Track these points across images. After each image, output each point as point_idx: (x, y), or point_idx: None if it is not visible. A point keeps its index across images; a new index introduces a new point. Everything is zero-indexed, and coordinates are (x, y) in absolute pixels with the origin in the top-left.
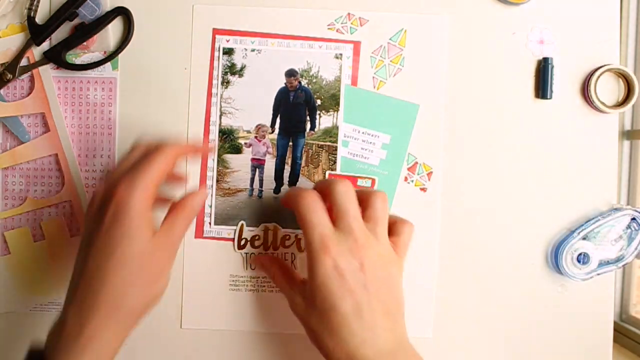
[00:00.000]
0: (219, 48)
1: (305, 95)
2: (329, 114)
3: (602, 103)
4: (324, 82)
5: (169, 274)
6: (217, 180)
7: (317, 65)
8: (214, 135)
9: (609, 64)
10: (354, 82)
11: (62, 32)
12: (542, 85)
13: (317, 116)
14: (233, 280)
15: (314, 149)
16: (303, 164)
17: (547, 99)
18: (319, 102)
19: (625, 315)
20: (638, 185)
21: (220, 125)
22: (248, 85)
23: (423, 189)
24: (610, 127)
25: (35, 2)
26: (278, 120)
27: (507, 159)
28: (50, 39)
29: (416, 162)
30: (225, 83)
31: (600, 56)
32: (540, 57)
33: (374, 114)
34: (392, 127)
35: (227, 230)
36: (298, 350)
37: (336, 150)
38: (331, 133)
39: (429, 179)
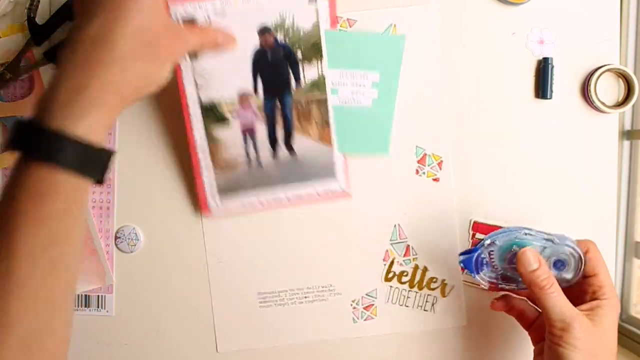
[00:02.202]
0: (177, 20)
1: (283, 51)
2: (312, 64)
3: (602, 103)
4: (302, 32)
5: (171, 70)
6: (212, 157)
7: (291, 15)
8: (197, 114)
9: (609, 64)
10: (333, 23)
11: (62, 32)
12: (542, 85)
13: (301, 70)
14: (262, 297)
15: (303, 104)
16: (296, 122)
17: (547, 99)
18: (300, 54)
19: (625, 315)
20: (638, 185)
21: (200, 101)
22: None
23: (436, 179)
24: (610, 127)
25: (35, 2)
26: (260, 82)
27: (507, 159)
28: (50, 39)
29: (425, 154)
30: (194, 56)
31: (600, 56)
32: (540, 57)
33: (359, 53)
34: (379, 63)
35: (234, 204)
36: (334, 356)
37: (327, 101)
38: (318, 84)
39: (440, 168)
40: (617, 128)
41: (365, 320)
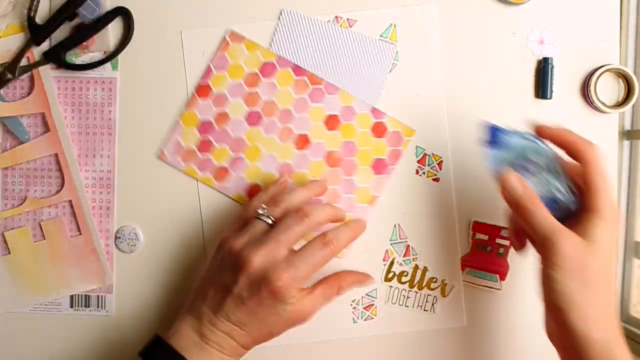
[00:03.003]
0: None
1: None
2: None
3: (602, 103)
4: None
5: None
6: None
7: None
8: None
9: (609, 64)
10: None
11: (62, 32)
12: (542, 85)
13: None
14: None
15: None
16: None
17: (547, 99)
18: None
19: (625, 315)
20: (638, 185)
21: None
22: None
23: (436, 179)
24: (610, 127)
25: (35, 2)
26: None
27: None
28: (50, 39)
29: (425, 154)
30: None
31: (600, 56)
32: (540, 57)
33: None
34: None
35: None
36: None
37: None
38: None
39: (440, 168)
40: (617, 128)
41: (365, 320)
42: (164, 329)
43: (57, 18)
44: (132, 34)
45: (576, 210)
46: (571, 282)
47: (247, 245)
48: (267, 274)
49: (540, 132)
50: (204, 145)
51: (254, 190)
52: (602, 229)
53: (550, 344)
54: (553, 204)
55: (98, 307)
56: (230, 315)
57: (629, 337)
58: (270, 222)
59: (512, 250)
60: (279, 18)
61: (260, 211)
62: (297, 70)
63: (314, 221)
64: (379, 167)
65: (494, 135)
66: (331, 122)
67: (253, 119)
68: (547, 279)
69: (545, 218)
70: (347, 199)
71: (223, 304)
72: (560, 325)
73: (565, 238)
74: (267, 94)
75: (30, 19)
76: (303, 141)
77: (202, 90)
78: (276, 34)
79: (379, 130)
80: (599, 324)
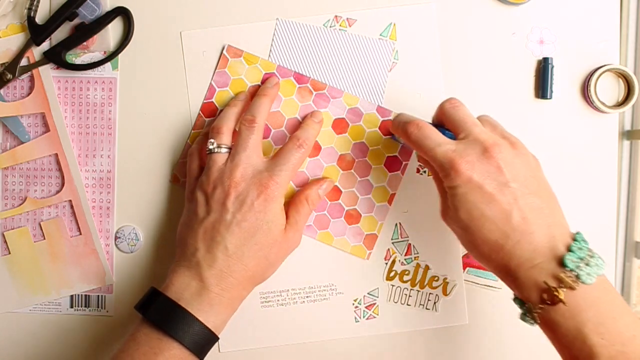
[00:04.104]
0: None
1: None
2: None
3: (602, 103)
4: None
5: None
6: None
7: None
8: None
9: (609, 64)
10: None
11: (62, 32)
12: (542, 85)
13: None
14: (263, 297)
15: None
16: None
17: (547, 99)
18: None
19: None
20: (638, 185)
21: None
22: None
23: None
24: (610, 127)
25: (35, 2)
26: None
27: None
28: (50, 39)
29: None
30: None
31: (600, 56)
32: (540, 57)
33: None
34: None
35: None
36: (337, 356)
37: None
38: None
39: None
40: (617, 128)
41: (367, 319)
42: None
43: (57, 18)
44: (132, 34)
45: None
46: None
47: (221, 175)
48: (254, 187)
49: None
50: None
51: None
52: (471, 150)
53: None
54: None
55: (98, 307)
56: (227, 245)
57: None
58: (225, 149)
59: None
60: (275, 28)
61: (210, 147)
62: (299, 78)
63: (261, 125)
64: (392, 164)
65: None
66: (339, 125)
67: None
68: (453, 199)
69: (440, 146)
70: (365, 200)
71: (217, 236)
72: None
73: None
74: (272, 105)
75: (30, 19)
76: (314, 148)
77: (207, 108)
78: (274, 44)
79: (387, 128)
80: (489, 261)
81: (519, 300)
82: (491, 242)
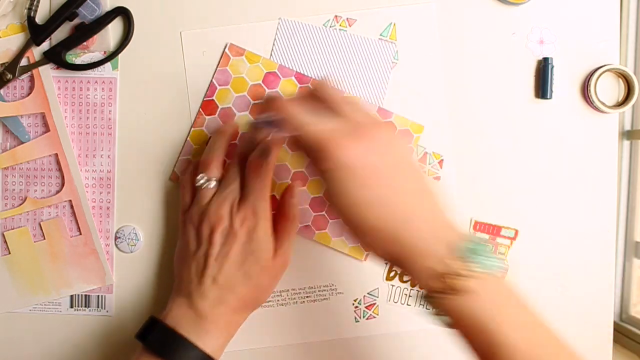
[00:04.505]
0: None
1: None
2: None
3: (602, 103)
4: None
5: (275, 287)
6: None
7: None
8: None
9: (609, 64)
10: None
11: (62, 32)
12: (542, 85)
13: None
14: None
15: None
16: None
17: (547, 99)
18: None
19: (625, 315)
20: (638, 185)
21: None
22: None
23: (436, 178)
24: (610, 127)
25: (35, 2)
26: None
27: (507, 158)
28: (50, 39)
29: (425, 153)
30: None
31: (600, 56)
32: (540, 57)
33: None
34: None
35: None
36: (337, 356)
37: None
38: None
39: (441, 167)
40: (617, 128)
41: (367, 319)
42: None
43: (57, 18)
44: (132, 34)
45: None
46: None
47: (208, 210)
48: (238, 217)
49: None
50: None
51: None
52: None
53: None
54: None
55: (98, 307)
56: (217, 277)
57: (629, 337)
58: (214, 182)
59: (512, 249)
60: (277, 27)
61: (200, 181)
62: (300, 77)
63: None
64: None
65: None
66: None
67: None
68: (327, 183)
69: (309, 125)
70: None
71: (207, 269)
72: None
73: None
74: None
75: (30, 19)
76: None
77: (208, 106)
78: (275, 43)
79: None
80: (384, 252)
81: (427, 296)
82: (372, 228)
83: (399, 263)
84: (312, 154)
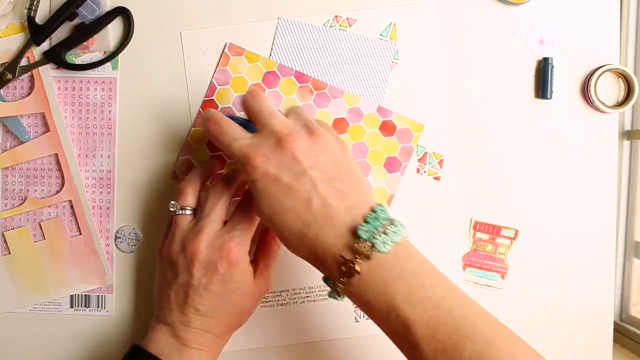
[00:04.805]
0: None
1: None
2: None
3: (602, 103)
4: None
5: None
6: None
7: None
8: None
9: (609, 64)
10: None
11: (62, 32)
12: (542, 85)
13: None
14: (263, 297)
15: None
16: None
17: (547, 99)
18: None
19: (625, 315)
20: (638, 185)
21: None
22: None
23: (436, 178)
24: (610, 127)
25: (35, 2)
26: None
27: (507, 158)
28: (50, 39)
29: (425, 153)
30: None
31: (600, 56)
32: (540, 57)
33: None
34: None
35: None
36: (337, 356)
37: None
38: None
39: (441, 167)
40: (617, 128)
41: (367, 319)
42: None
43: (57, 18)
44: (132, 34)
45: None
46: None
47: (183, 240)
48: (217, 253)
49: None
50: None
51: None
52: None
53: (551, 344)
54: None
55: (98, 307)
56: (198, 307)
57: (629, 337)
58: (189, 212)
59: (512, 249)
60: (276, 27)
61: (172, 209)
62: (300, 77)
63: (231, 187)
64: (391, 165)
65: None
66: (339, 125)
67: None
68: (254, 193)
69: (236, 140)
70: None
71: (188, 300)
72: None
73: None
74: (273, 104)
75: (30, 19)
76: None
77: (208, 106)
78: (275, 43)
79: (387, 128)
80: (296, 247)
81: (325, 278)
82: (296, 232)
83: (315, 261)
84: (240, 167)
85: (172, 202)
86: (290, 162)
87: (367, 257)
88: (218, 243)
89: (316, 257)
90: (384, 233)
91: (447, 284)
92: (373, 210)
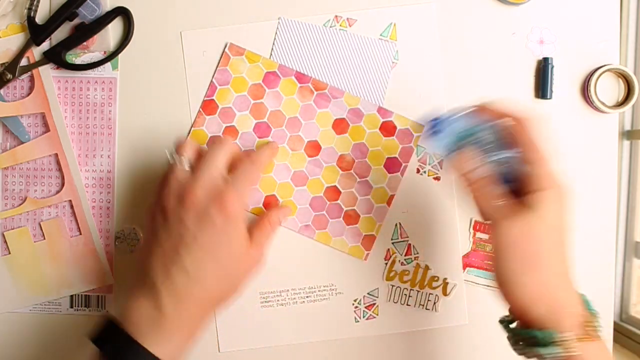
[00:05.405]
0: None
1: None
2: None
3: (602, 103)
4: None
5: (248, 284)
6: None
7: None
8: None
9: (609, 64)
10: None
11: (62, 32)
12: (542, 85)
13: None
14: (263, 297)
15: None
16: None
17: (547, 99)
18: None
19: (625, 315)
20: (638, 185)
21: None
22: None
23: (437, 178)
24: (610, 127)
25: (35, 2)
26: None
27: None
28: (50, 39)
29: (426, 153)
30: None
31: (600, 56)
32: (540, 57)
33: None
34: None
35: None
36: (337, 356)
37: None
38: None
39: (441, 167)
40: (617, 128)
41: (367, 319)
42: (203, 354)
43: (57, 18)
44: (132, 34)
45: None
46: (510, 263)
47: (180, 189)
48: (214, 202)
49: (480, 112)
50: None
51: (270, 202)
52: (545, 201)
53: None
54: (507, 175)
55: (98, 307)
56: (186, 266)
57: (629, 337)
58: (187, 165)
59: None
60: (277, 27)
61: (169, 156)
62: (300, 77)
63: (230, 146)
64: (392, 165)
65: (436, 126)
66: (339, 125)
67: (262, 130)
68: (492, 257)
69: (488, 202)
70: (364, 200)
71: (176, 258)
72: (505, 299)
73: (502, 224)
74: (273, 104)
75: (30, 19)
76: (314, 148)
77: (208, 106)
78: (275, 43)
79: (387, 129)
80: (539, 301)
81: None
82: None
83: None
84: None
85: (173, 153)
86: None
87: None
88: (216, 191)
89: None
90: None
91: None
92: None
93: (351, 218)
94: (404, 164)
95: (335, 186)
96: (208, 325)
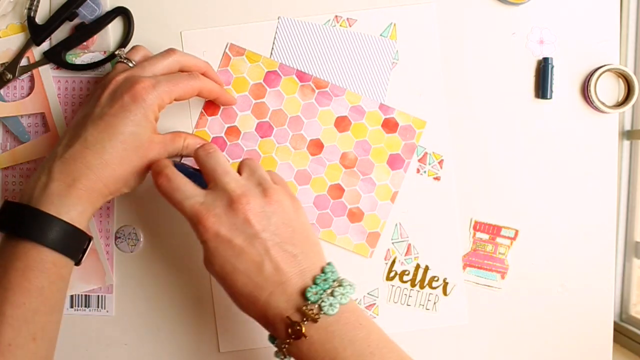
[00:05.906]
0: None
1: None
2: None
3: (602, 103)
4: None
5: (145, 176)
6: None
7: None
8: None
9: (609, 64)
10: None
11: (62, 32)
12: (542, 85)
13: None
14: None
15: None
16: None
17: (547, 99)
18: None
19: (625, 315)
20: (638, 185)
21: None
22: None
23: (437, 178)
24: (610, 127)
25: (35, 2)
26: None
27: (507, 158)
28: (50, 39)
29: (426, 153)
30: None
31: (600, 56)
32: (540, 57)
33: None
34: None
35: None
36: None
37: None
38: None
39: (441, 167)
40: (617, 128)
41: None
42: (165, 328)
43: (57, 18)
44: (132, 34)
45: None
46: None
47: (112, 75)
48: (129, 80)
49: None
50: None
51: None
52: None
53: (551, 344)
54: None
55: (98, 307)
56: (87, 138)
57: (629, 337)
58: (131, 64)
59: (512, 249)
60: (277, 26)
61: (119, 57)
62: (301, 76)
63: (179, 57)
64: (394, 162)
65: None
66: (341, 123)
67: (264, 130)
68: (205, 253)
69: (188, 199)
70: (368, 198)
71: (81, 129)
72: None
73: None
74: (275, 104)
75: (30, 19)
76: (316, 146)
77: (210, 107)
78: (276, 42)
79: (390, 125)
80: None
81: (272, 338)
82: (246, 294)
83: (265, 323)
84: (192, 226)
85: (122, 50)
86: (243, 225)
87: (315, 321)
88: (135, 78)
89: (266, 320)
90: (332, 295)
91: (396, 352)
92: (323, 271)
93: (355, 216)
94: (406, 161)
95: (338, 184)
96: (109, 200)
